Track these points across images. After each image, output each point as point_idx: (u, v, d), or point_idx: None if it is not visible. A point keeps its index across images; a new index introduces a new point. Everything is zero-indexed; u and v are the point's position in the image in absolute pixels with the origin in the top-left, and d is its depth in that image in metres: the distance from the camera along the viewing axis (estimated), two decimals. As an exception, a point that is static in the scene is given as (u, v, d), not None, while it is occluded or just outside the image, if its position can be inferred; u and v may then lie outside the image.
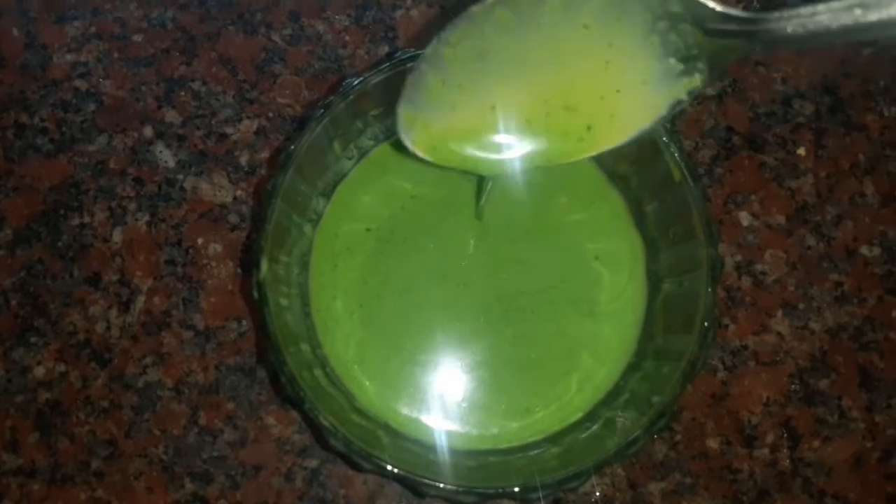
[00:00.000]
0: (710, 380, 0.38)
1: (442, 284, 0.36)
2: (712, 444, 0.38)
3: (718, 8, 0.23)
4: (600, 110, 0.26)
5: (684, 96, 0.25)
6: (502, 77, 0.26)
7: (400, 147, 0.37)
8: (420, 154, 0.28)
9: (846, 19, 0.21)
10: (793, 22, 0.22)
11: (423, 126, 0.27)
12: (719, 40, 0.23)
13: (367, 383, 0.35)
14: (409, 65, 0.32)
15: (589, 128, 0.26)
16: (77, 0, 0.42)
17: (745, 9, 0.23)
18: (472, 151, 0.28)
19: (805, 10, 0.22)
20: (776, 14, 0.23)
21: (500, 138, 0.28)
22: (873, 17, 0.21)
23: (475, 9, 0.25)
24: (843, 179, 0.40)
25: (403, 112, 0.27)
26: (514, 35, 0.25)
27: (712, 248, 0.31)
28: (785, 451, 0.38)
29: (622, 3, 0.24)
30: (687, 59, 0.24)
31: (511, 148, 0.28)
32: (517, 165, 0.28)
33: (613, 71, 0.25)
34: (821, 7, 0.22)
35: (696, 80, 0.25)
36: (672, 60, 0.24)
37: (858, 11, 0.21)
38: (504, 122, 0.27)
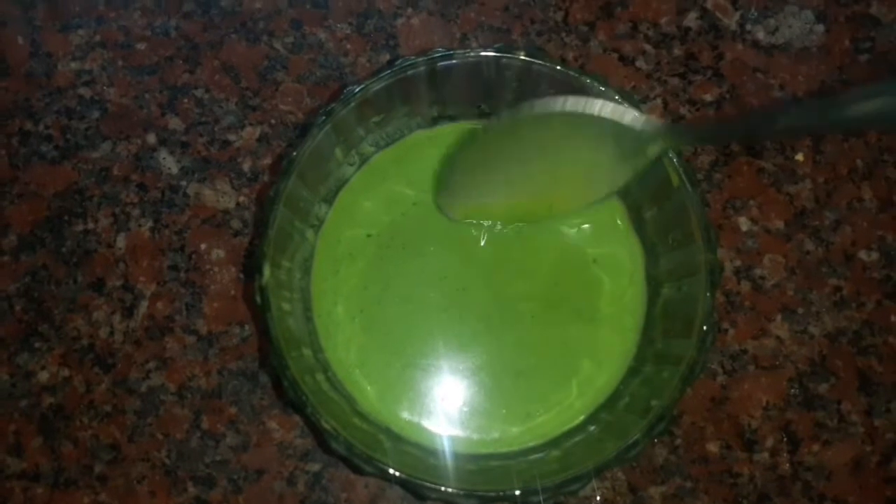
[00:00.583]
0: (709, 384, 0.38)
1: (442, 289, 0.36)
2: (712, 448, 0.38)
3: (637, 126, 0.30)
4: (584, 182, 0.34)
5: (649, 161, 0.31)
6: (505, 173, 0.35)
7: (400, 153, 0.38)
8: (459, 220, 0.37)
9: (738, 129, 0.31)
10: (694, 129, 0.30)
11: (457, 206, 0.37)
12: (650, 138, 0.30)
13: (369, 387, 0.35)
14: (409, 72, 0.33)
15: (577, 193, 0.35)
16: (81, 9, 0.43)
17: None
18: (493, 214, 0.37)
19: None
20: (679, 125, 0.27)
21: (513, 206, 0.36)
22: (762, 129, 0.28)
23: (473, 141, 0.34)
24: (841, 185, 0.41)
25: (442, 199, 0.37)
26: (507, 148, 0.33)
27: (711, 252, 0.32)
28: (785, 455, 0.38)
29: (573, 120, 0.30)
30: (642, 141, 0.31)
31: (522, 210, 0.36)
32: (529, 219, 0.37)
33: (587, 157, 0.33)
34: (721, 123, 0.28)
35: (656, 149, 0.31)
36: (632, 139, 0.30)
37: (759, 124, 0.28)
38: (513, 199, 0.36)
